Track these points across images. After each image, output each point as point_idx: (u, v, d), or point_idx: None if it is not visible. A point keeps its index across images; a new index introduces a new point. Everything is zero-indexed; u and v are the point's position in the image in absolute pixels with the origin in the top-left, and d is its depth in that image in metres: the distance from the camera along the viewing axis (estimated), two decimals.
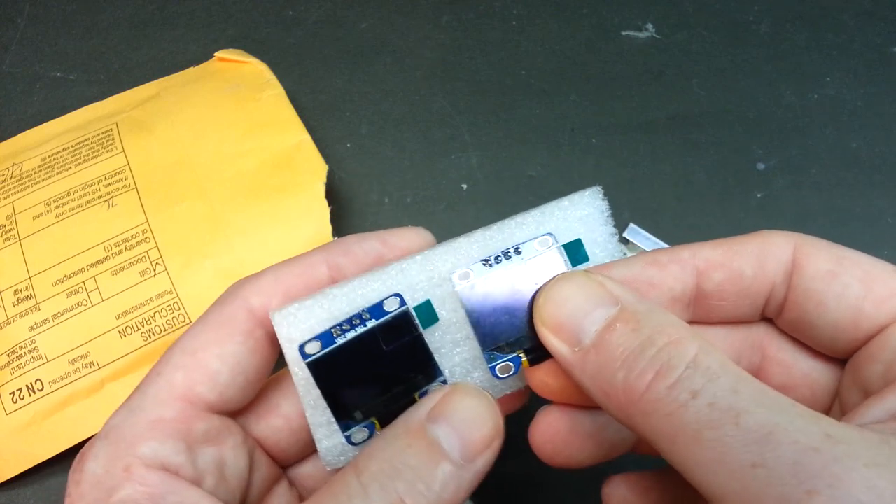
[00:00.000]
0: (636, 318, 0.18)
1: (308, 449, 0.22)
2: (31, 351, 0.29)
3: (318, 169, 0.32)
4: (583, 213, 0.21)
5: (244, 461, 0.21)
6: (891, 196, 0.35)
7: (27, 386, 0.29)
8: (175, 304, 0.30)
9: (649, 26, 0.41)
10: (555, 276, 0.20)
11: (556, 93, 0.39)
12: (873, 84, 0.38)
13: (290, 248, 0.31)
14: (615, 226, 0.22)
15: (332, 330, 0.20)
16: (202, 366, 0.20)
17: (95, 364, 0.29)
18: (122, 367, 0.30)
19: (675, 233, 0.35)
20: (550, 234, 0.21)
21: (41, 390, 0.29)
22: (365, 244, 0.22)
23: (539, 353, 0.20)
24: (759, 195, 0.36)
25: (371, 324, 0.20)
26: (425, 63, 0.40)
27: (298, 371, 0.20)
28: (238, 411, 0.21)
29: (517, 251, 0.21)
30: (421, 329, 0.21)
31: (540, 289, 0.19)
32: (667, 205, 0.36)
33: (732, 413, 0.15)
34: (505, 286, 0.20)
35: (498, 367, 0.21)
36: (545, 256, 0.21)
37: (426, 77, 0.40)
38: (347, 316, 0.20)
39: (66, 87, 0.40)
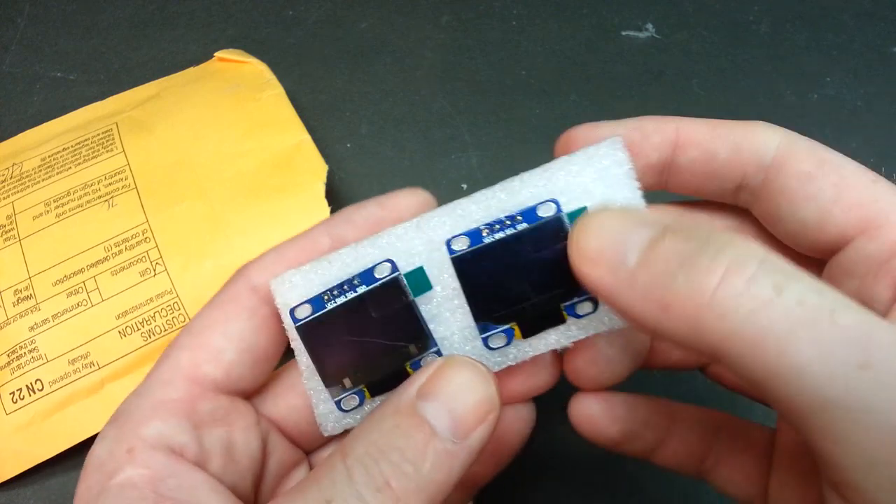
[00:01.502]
0: (685, 230, 0.16)
1: None
2: (31, 351, 0.29)
3: (318, 169, 0.32)
4: (599, 168, 0.19)
5: (256, 443, 0.20)
6: None
7: (27, 386, 0.29)
8: (175, 304, 0.30)
9: (649, 26, 0.41)
10: (586, 212, 0.18)
11: (556, 93, 0.39)
12: (873, 84, 0.38)
13: None
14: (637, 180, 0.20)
15: (324, 295, 0.20)
16: (207, 344, 0.20)
17: (95, 364, 0.29)
18: (122, 367, 0.30)
19: None
20: (555, 200, 0.19)
21: (41, 390, 0.29)
22: (364, 210, 0.22)
23: (532, 323, 0.20)
24: None
25: (361, 290, 0.20)
26: (425, 63, 0.40)
27: (295, 336, 0.20)
28: (252, 392, 0.21)
29: (518, 218, 0.19)
30: (412, 297, 0.20)
31: (571, 227, 0.18)
32: None
33: (826, 311, 0.14)
34: (502, 255, 0.19)
35: (490, 338, 0.20)
36: (548, 224, 0.19)
37: (426, 77, 0.40)
38: (340, 281, 0.20)
39: (66, 87, 0.40)
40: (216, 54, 0.39)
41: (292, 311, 0.20)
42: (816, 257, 0.20)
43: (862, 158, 0.37)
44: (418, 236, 0.20)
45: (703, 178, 0.21)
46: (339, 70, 0.40)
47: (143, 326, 0.30)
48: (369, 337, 0.20)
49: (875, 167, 0.36)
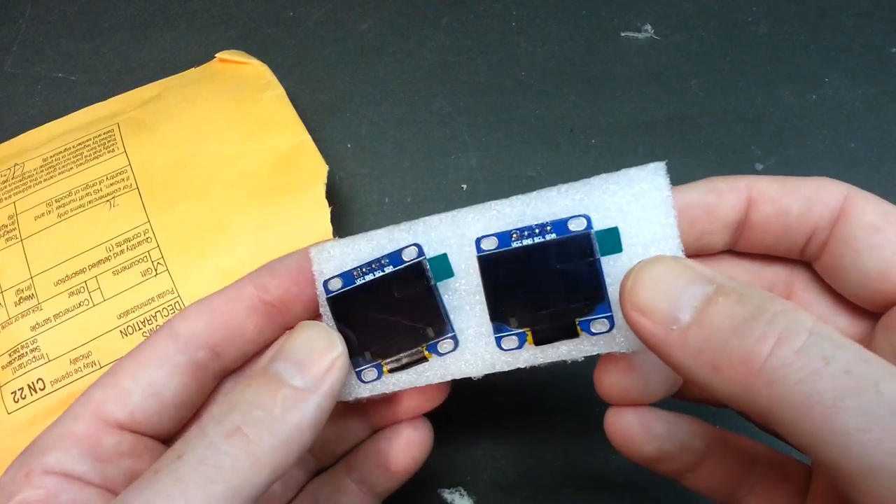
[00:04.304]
0: (737, 292, 0.17)
1: None
2: (32, 350, 0.30)
3: (318, 169, 0.33)
4: (638, 191, 0.20)
5: None
6: (890, 196, 0.35)
7: (29, 385, 0.29)
8: (176, 304, 0.30)
9: (648, 27, 0.41)
10: (641, 261, 0.18)
11: (555, 93, 0.39)
12: (872, 85, 0.38)
13: (290, 248, 0.31)
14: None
15: (354, 271, 0.21)
16: (117, 385, 0.21)
17: (97, 363, 0.30)
18: None
19: None
20: (586, 216, 0.20)
21: (42, 390, 0.29)
22: (286, 261, 0.23)
23: (545, 333, 0.20)
24: None
25: (388, 269, 0.21)
26: (425, 64, 0.40)
27: (324, 304, 0.22)
28: (165, 434, 0.22)
29: (548, 228, 0.20)
30: (433, 281, 0.21)
31: (626, 274, 0.18)
32: None
33: (871, 381, 0.15)
34: (526, 261, 0.20)
35: (503, 339, 0.21)
36: (575, 239, 0.20)
37: (426, 78, 0.40)
38: (371, 259, 0.21)
39: (67, 88, 0.40)
40: (217, 55, 0.39)
41: (325, 283, 0.22)
42: (872, 310, 0.21)
43: (860, 159, 0.38)
44: (451, 229, 0.21)
45: (776, 234, 0.21)
46: (339, 71, 0.40)
47: (145, 326, 0.30)
48: (391, 315, 0.21)
49: (874, 168, 0.36)
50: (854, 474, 0.15)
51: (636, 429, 0.22)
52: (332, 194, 0.33)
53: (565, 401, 0.31)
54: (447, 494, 0.30)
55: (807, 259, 0.22)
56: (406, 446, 0.25)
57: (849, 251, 0.20)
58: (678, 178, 0.36)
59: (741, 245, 0.22)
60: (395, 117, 0.39)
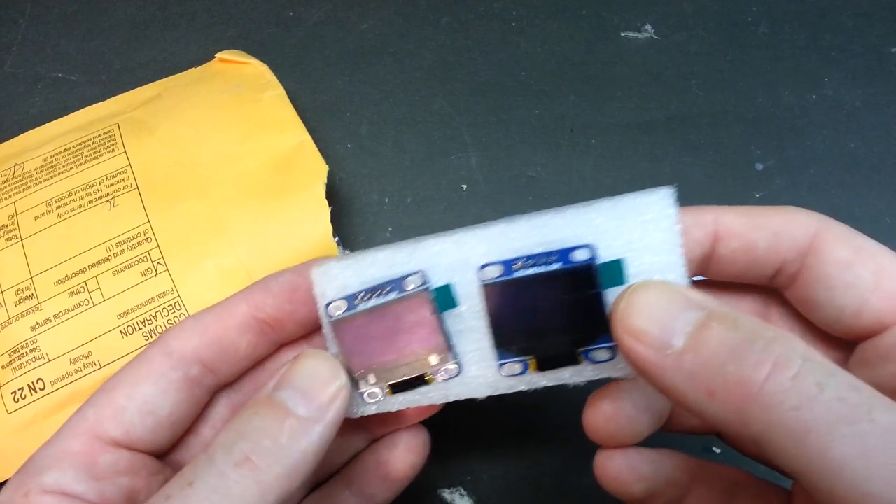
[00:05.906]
0: (731, 318, 0.17)
1: None
2: (32, 350, 0.30)
3: (318, 169, 0.33)
4: (646, 220, 0.20)
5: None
6: (889, 196, 0.35)
7: (29, 385, 0.29)
8: (176, 304, 0.30)
9: (648, 27, 0.41)
10: (632, 285, 0.18)
11: (555, 93, 0.39)
12: (872, 85, 0.38)
13: (290, 248, 0.31)
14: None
15: (357, 295, 0.21)
16: (112, 403, 0.21)
17: (97, 363, 0.30)
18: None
19: None
20: (590, 246, 0.19)
21: (42, 390, 0.29)
22: (281, 278, 0.23)
23: (550, 361, 0.20)
24: (757, 195, 0.36)
25: (392, 296, 0.21)
26: (425, 64, 0.40)
27: (327, 327, 0.22)
28: (160, 450, 0.23)
29: (554, 256, 0.20)
30: (437, 311, 0.21)
31: (617, 298, 0.18)
32: None
33: (864, 409, 0.15)
34: (529, 291, 0.20)
35: (505, 366, 0.21)
36: (579, 270, 0.19)
37: (426, 78, 0.40)
38: (375, 283, 0.21)
39: (67, 88, 0.40)
40: (217, 55, 0.39)
41: (327, 306, 0.21)
42: (847, 340, 0.21)
43: (860, 159, 0.38)
44: (454, 254, 0.21)
45: (743, 267, 0.21)
46: (339, 71, 0.40)
47: (145, 326, 0.30)
48: (393, 342, 0.21)
49: (873, 168, 0.36)
50: (847, 502, 0.15)
51: (624, 470, 0.22)
52: (332, 194, 0.33)
53: (565, 401, 0.31)
54: (447, 494, 0.30)
55: (776, 287, 0.22)
56: (405, 453, 0.25)
57: (822, 288, 0.20)
58: (678, 178, 0.36)
59: (709, 274, 0.22)
60: (395, 117, 0.39)
